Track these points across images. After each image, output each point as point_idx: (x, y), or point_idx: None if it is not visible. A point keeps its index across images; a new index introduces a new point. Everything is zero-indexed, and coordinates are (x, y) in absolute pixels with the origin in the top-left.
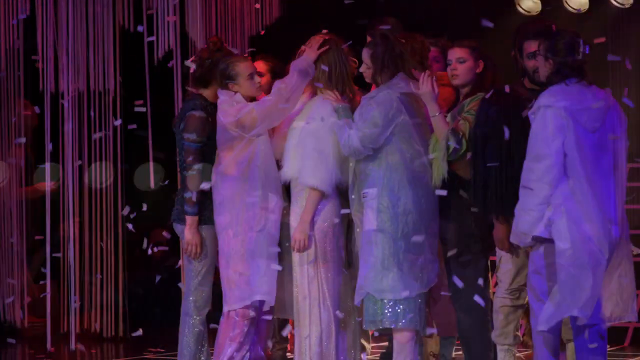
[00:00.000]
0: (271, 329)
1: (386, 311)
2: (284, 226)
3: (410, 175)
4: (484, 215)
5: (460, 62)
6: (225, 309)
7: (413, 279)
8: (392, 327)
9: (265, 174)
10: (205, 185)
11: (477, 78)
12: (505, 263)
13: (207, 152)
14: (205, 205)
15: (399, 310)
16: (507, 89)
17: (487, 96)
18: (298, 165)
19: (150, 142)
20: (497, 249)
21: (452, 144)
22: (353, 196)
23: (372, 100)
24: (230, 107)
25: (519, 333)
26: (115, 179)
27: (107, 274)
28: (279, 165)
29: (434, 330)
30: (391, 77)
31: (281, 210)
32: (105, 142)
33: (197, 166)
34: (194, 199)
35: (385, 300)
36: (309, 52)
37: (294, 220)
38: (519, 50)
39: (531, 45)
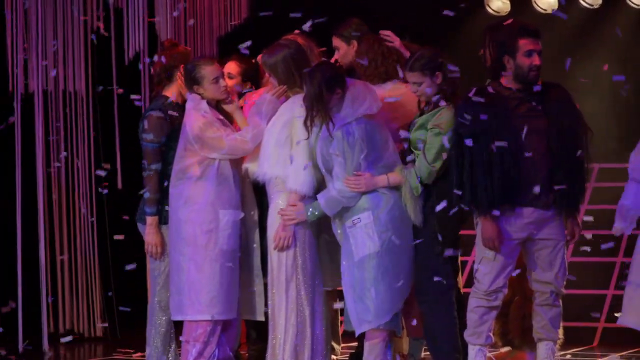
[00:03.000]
0: (240, 328)
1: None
2: (252, 227)
3: (392, 188)
4: (470, 214)
5: (418, 85)
6: (177, 316)
7: (408, 287)
8: (375, 327)
9: (219, 182)
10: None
11: (440, 88)
12: (486, 265)
13: (166, 153)
14: (165, 205)
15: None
16: (490, 88)
17: (470, 95)
18: (278, 166)
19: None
20: (477, 250)
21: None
22: (339, 231)
23: (334, 149)
24: (196, 116)
25: (491, 334)
26: (90, 178)
27: (82, 275)
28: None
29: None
30: (330, 112)
31: (235, 223)
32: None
33: (155, 166)
34: (153, 199)
35: (370, 303)
36: (275, 101)
37: (271, 220)
38: (504, 48)
39: (530, 44)
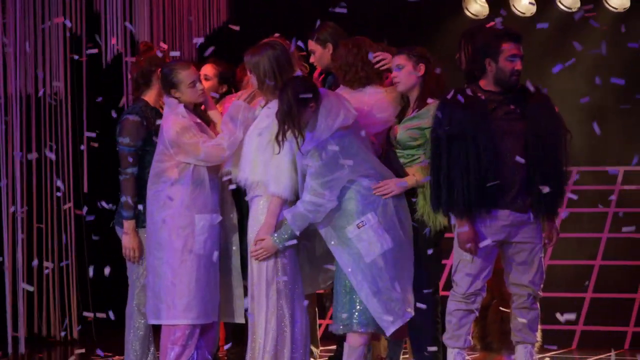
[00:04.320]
0: (219, 331)
1: (357, 315)
2: (231, 230)
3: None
4: (447, 216)
5: (399, 69)
6: (152, 320)
7: None
8: (361, 331)
9: (194, 186)
10: None
11: (420, 81)
12: (464, 267)
13: (143, 157)
14: (142, 209)
15: (369, 316)
16: (468, 91)
17: (449, 97)
18: (259, 171)
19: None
20: (455, 253)
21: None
22: (333, 242)
23: (308, 161)
24: (174, 120)
25: (470, 337)
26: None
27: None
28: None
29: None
30: (307, 126)
31: (212, 227)
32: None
33: (131, 170)
34: (130, 203)
35: (359, 306)
36: (249, 108)
37: (251, 223)
38: (486, 51)
39: (514, 48)
